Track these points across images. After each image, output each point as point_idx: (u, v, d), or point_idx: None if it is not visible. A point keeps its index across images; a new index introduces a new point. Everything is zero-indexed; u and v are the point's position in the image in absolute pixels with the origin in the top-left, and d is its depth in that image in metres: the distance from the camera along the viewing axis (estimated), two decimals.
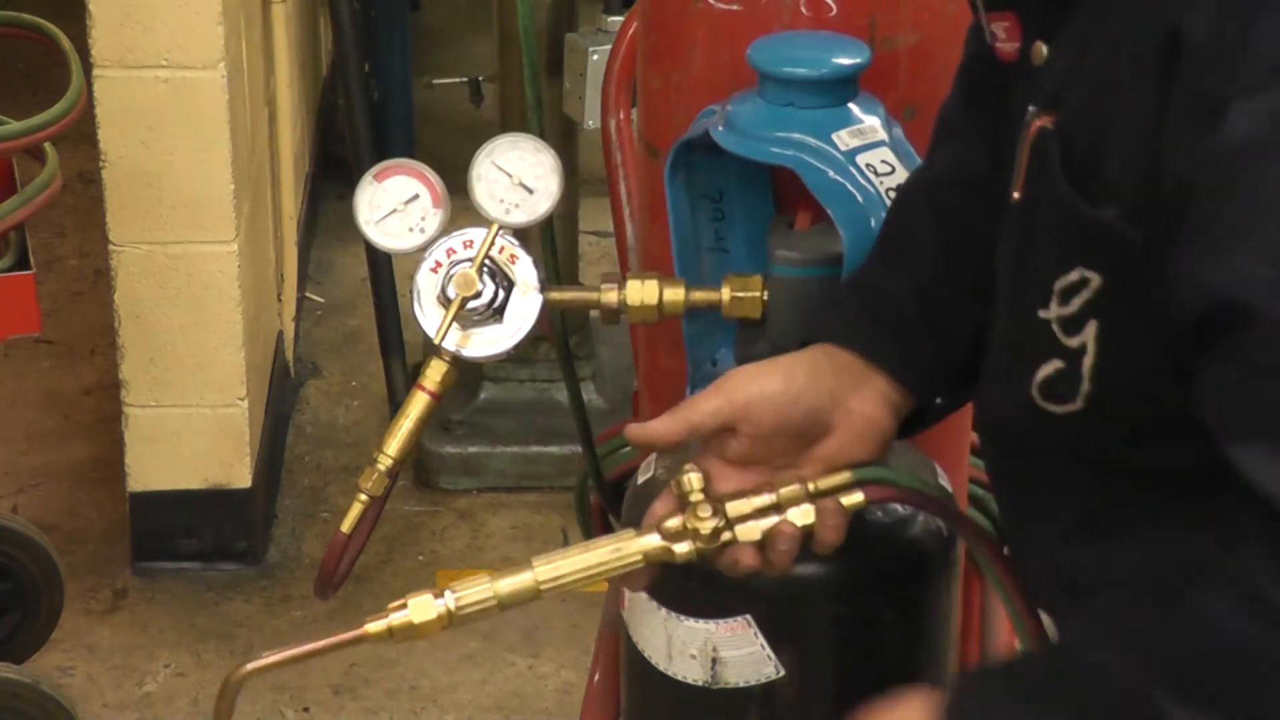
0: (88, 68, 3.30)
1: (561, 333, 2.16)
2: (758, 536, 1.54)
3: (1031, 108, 1.37)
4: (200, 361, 3.60)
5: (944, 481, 1.79)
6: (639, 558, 1.56)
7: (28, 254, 3.03)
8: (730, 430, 1.55)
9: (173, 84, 3.42)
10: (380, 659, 3.52)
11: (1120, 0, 1.30)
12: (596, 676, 2.22)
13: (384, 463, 1.81)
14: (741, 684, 1.73)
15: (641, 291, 1.81)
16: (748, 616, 1.71)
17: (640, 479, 1.87)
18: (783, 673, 1.72)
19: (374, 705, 3.42)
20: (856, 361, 1.57)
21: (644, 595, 1.76)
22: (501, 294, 1.78)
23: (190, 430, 3.65)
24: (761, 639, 1.71)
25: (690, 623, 1.73)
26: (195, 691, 3.45)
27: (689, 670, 1.74)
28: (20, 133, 2.97)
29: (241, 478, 3.70)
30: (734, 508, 1.54)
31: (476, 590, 1.57)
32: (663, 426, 1.57)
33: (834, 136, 1.72)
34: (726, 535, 1.54)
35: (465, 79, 5.07)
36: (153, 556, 3.72)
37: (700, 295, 1.81)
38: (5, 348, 4.36)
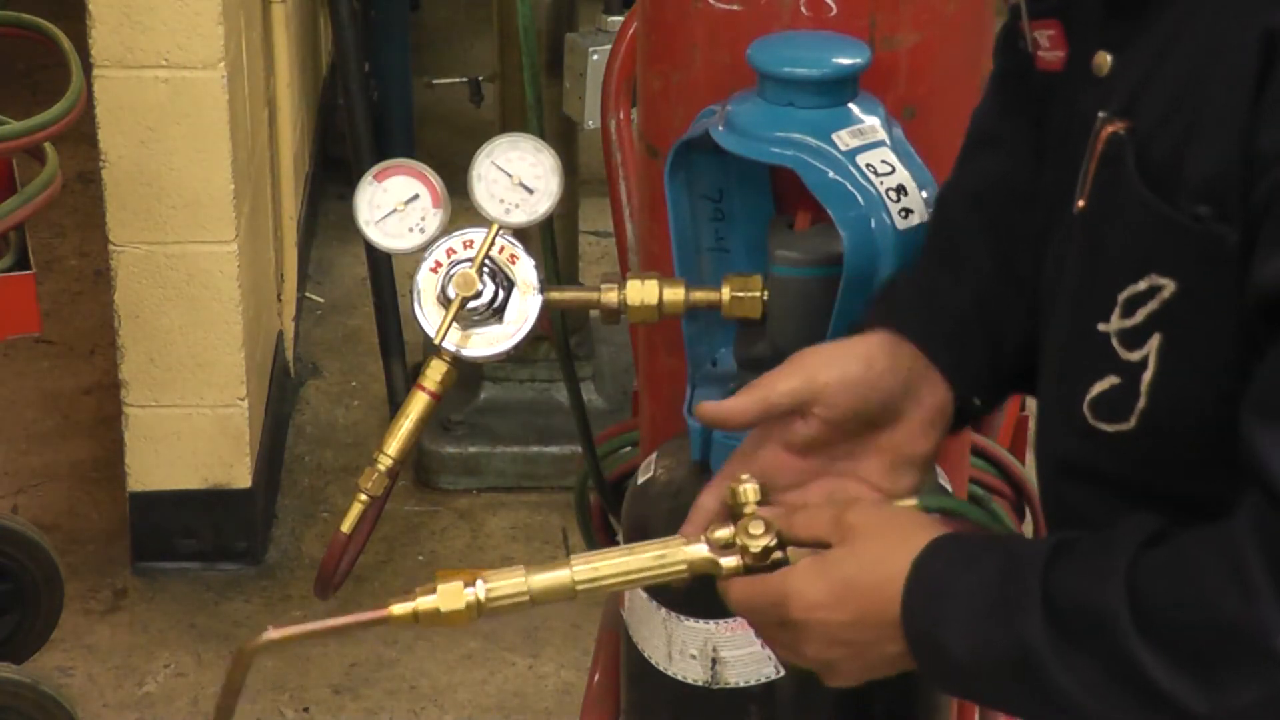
0: (88, 68, 3.30)
1: (561, 333, 2.16)
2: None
3: (1102, 114, 1.35)
4: (200, 361, 3.61)
5: (945, 482, 1.79)
6: (684, 567, 1.50)
7: (28, 254, 3.03)
8: (800, 413, 1.52)
9: (173, 84, 3.42)
10: (380, 659, 3.52)
11: (1207, 6, 1.29)
12: (596, 676, 2.22)
13: (384, 463, 1.81)
14: (741, 684, 1.73)
15: (641, 291, 1.81)
16: None
17: (640, 479, 1.87)
18: (783, 673, 1.72)
19: (374, 705, 3.42)
20: (919, 355, 1.55)
21: (644, 595, 1.76)
22: (501, 294, 1.78)
23: (190, 430, 3.65)
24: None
25: (690, 623, 1.73)
26: (195, 691, 3.45)
27: (689, 670, 1.74)
28: (20, 133, 2.98)
29: (241, 478, 3.70)
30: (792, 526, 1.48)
31: (510, 583, 1.51)
32: (739, 405, 1.52)
33: (834, 136, 1.72)
34: (777, 555, 1.48)
35: (465, 79, 5.07)
36: (153, 556, 3.72)
37: (700, 295, 1.80)
38: (5, 348, 4.36)
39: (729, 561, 1.48)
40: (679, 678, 1.75)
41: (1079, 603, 1.30)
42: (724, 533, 1.49)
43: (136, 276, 3.54)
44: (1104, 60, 1.38)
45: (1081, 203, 1.38)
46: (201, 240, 3.53)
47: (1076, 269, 1.40)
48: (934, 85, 1.87)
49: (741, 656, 1.72)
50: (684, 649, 1.74)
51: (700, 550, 1.49)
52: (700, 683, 1.74)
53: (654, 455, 1.88)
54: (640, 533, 1.78)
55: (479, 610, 1.51)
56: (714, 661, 1.73)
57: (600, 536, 2.45)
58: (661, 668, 1.76)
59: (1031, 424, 2.47)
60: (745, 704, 1.74)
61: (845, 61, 1.76)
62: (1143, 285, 1.32)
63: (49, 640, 3.41)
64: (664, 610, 1.74)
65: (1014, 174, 1.58)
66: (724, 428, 1.58)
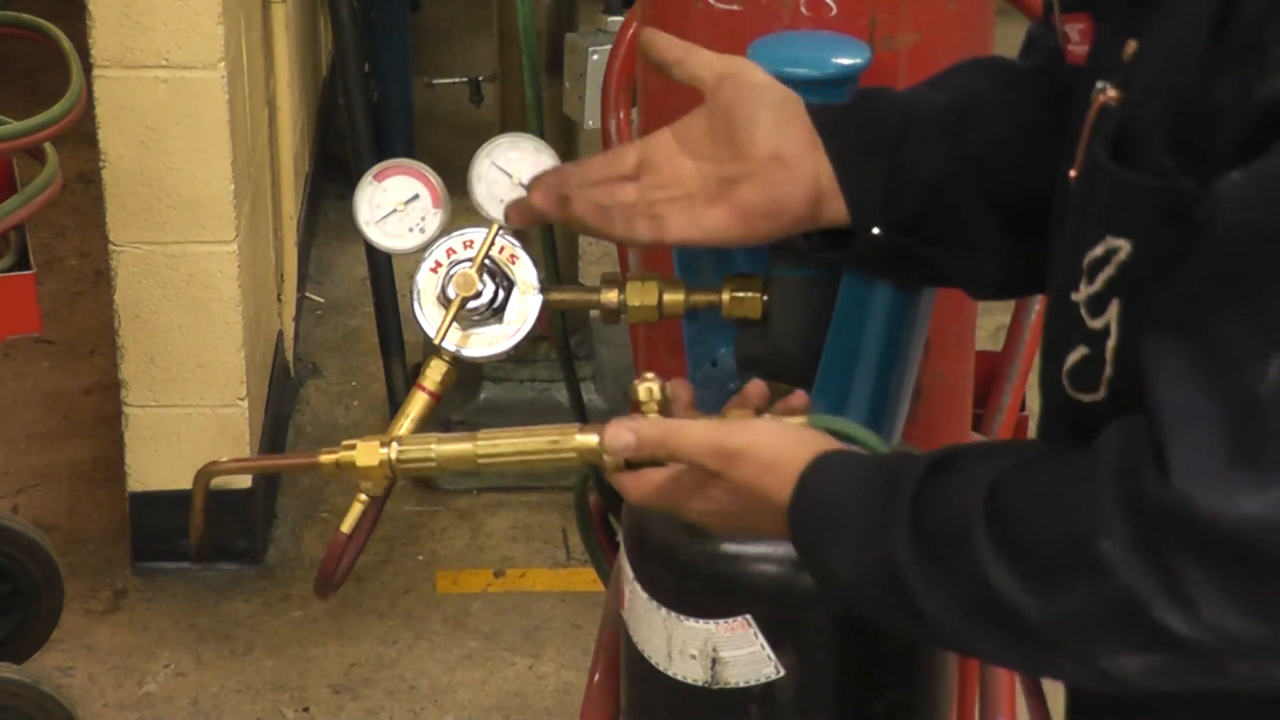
0: (88, 68, 3.30)
1: (561, 333, 2.15)
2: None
3: (1099, 84, 1.36)
4: (200, 361, 3.61)
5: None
6: (573, 454, 1.59)
7: (28, 254, 3.03)
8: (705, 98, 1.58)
9: (173, 84, 3.42)
10: (380, 659, 3.52)
11: None
12: (596, 676, 2.21)
13: None
14: (741, 684, 1.73)
15: (641, 291, 1.81)
16: (748, 616, 1.71)
17: None
18: (783, 673, 1.72)
19: (374, 705, 3.42)
20: (818, 140, 1.57)
21: (644, 595, 1.76)
22: (501, 294, 1.78)
23: (190, 430, 3.65)
24: (761, 639, 1.71)
25: (690, 623, 1.73)
26: (195, 691, 3.45)
27: (689, 670, 1.74)
28: (20, 133, 2.98)
29: (241, 478, 3.70)
30: None
31: (419, 448, 1.64)
32: (669, 41, 1.62)
33: None
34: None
35: (465, 79, 5.07)
36: (153, 556, 3.72)
37: (700, 295, 1.80)
38: (5, 348, 4.37)
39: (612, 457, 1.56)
40: (679, 678, 1.75)
41: (943, 515, 1.32)
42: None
43: (136, 276, 3.54)
44: (1131, 47, 1.39)
45: (1073, 172, 1.39)
46: (201, 240, 3.53)
47: (1063, 238, 1.41)
48: None
49: (741, 656, 1.72)
50: (684, 649, 1.74)
51: (590, 440, 1.57)
52: (700, 683, 1.74)
53: None
54: (640, 533, 1.79)
55: (391, 469, 1.64)
56: (714, 661, 1.73)
57: (600, 536, 2.45)
58: (661, 668, 1.76)
59: (1032, 424, 2.47)
60: (745, 704, 1.74)
61: (845, 61, 1.75)
62: (1099, 250, 1.32)
63: (49, 640, 3.41)
64: (664, 610, 1.74)
65: (1018, 70, 1.61)
66: (652, 55, 1.65)
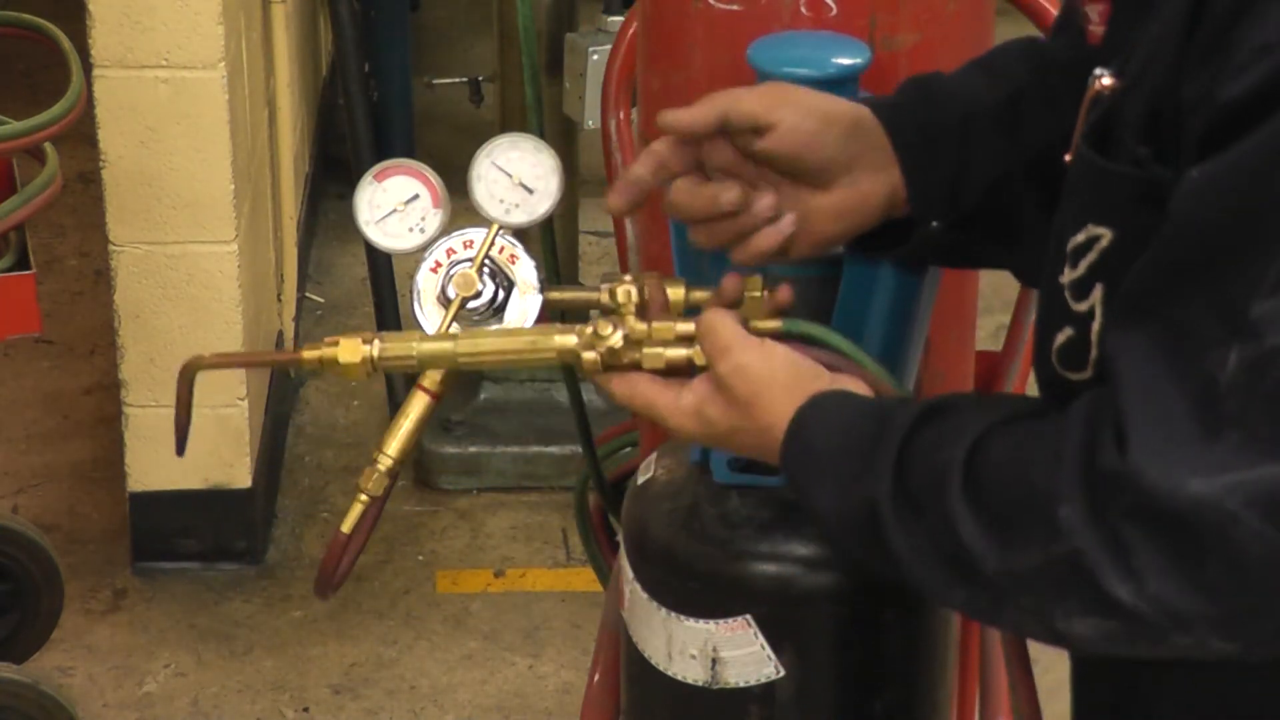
0: (88, 68, 3.30)
1: None
2: (662, 365, 1.56)
3: (1096, 71, 1.38)
4: None
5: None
6: (552, 353, 1.60)
7: (28, 254, 3.03)
8: (745, 137, 1.57)
9: (173, 84, 3.42)
10: (380, 659, 3.52)
11: None
12: (596, 676, 2.21)
13: (384, 463, 1.80)
14: (741, 684, 1.73)
15: None
16: (748, 616, 1.71)
17: (640, 479, 1.87)
18: (783, 673, 1.72)
19: (374, 705, 3.42)
20: (886, 145, 1.59)
21: (644, 595, 1.76)
22: (501, 294, 1.78)
23: (190, 430, 3.64)
24: (761, 639, 1.71)
25: (690, 623, 1.73)
26: (195, 691, 3.45)
27: (689, 670, 1.74)
28: (20, 133, 2.98)
29: (241, 478, 3.70)
30: (656, 330, 1.57)
31: (401, 345, 1.63)
32: (699, 112, 1.57)
33: None
34: (633, 356, 1.57)
35: (465, 79, 5.07)
36: (153, 556, 3.72)
37: (700, 295, 1.80)
38: (5, 348, 4.37)
39: (589, 355, 1.58)
40: (679, 678, 1.75)
41: (926, 464, 1.36)
42: (593, 329, 1.58)
43: (136, 276, 3.54)
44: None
45: (1068, 157, 1.42)
46: (201, 240, 3.53)
47: (1056, 221, 1.43)
48: None
49: (741, 656, 1.72)
50: (684, 649, 1.74)
51: (569, 340, 1.59)
52: (700, 683, 1.74)
53: (654, 455, 1.88)
54: (640, 533, 1.79)
55: (373, 365, 1.63)
56: (714, 661, 1.73)
57: (600, 536, 2.45)
58: (661, 668, 1.76)
59: None
60: (745, 704, 1.74)
61: (845, 61, 1.75)
62: (1082, 236, 1.35)
63: (49, 640, 3.41)
64: (664, 610, 1.74)
65: (1066, 54, 1.61)
66: (680, 132, 1.60)
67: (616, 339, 1.57)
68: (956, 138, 1.60)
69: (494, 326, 1.77)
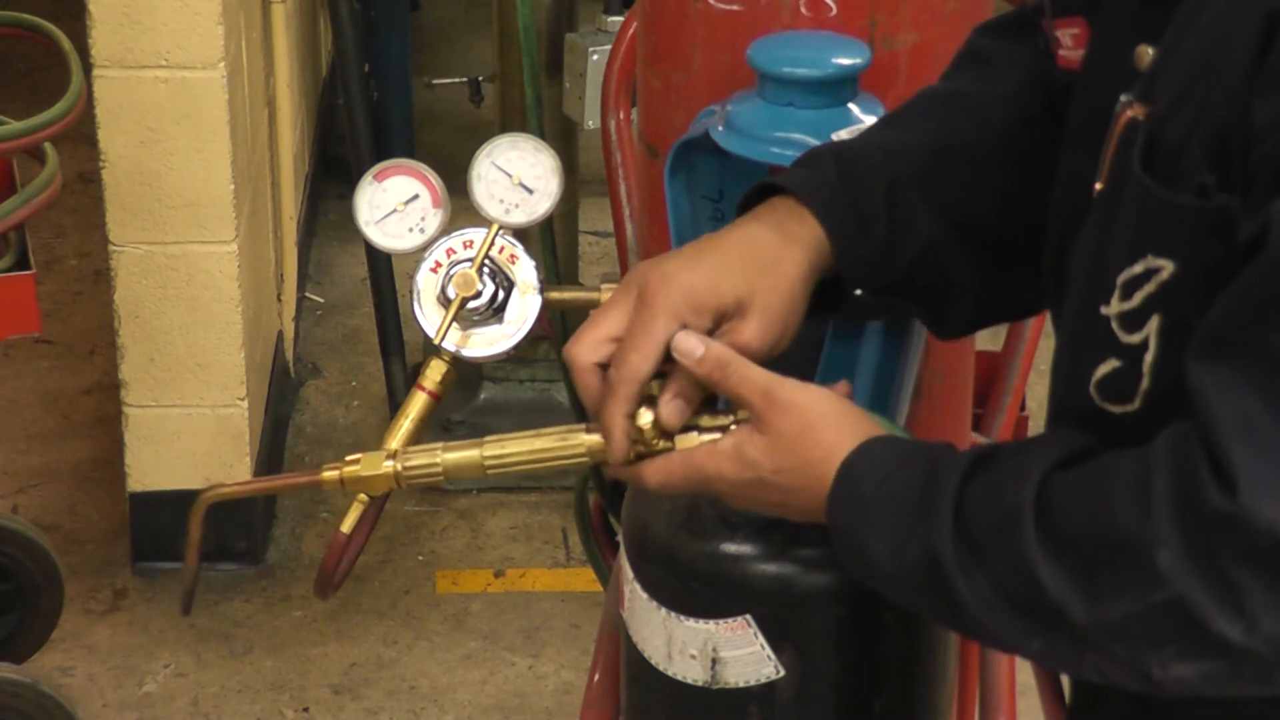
0: (88, 68, 3.30)
1: (561, 333, 2.16)
2: (695, 445, 1.51)
3: (1123, 98, 1.36)
4: (200, 361, 3.61)
5: None
6: (583, 451, 1.58)
7: (28, 254, 3.03)
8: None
9: (173, 84, 3.42)
10: (380, 659, 3.52)
11: None
12: (596, 676, 2.21)
13: None
14: (741, 684, 1.73)
15: None
16: (748, 616, 1.70)
17: None
18: (783, 673, 1.72)
19: (374, 705, 3.43)
20: (809, 220, 1.53)
21: (644, 595, 1.76)
22: (501, 294, 1.78)
23: (190, 430, 3.65)
24: (761, 639, 1.71)
25: (690, 623, 1.73)
26: (195, 691, 3.45)
27: (689, 670, 1.74)
28: (20, 133, 2.98)
29: (241, 478, 3.70)
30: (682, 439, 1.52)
31: (424, 458, 1.61)
32: (647, 360, 1.50)
33: (834, 136, 1.72)
34: (665, 445, 1.52)
35: (465, 79, 5.07)
36: (153, 556, 3.72)
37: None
38: (5, 348, 4.36)
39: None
40: (679, 678, 1.75)
41: (989, 510, 1.33)
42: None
43: (136, 276, 3.54)
44: (1145, 53, 1.38)
45: (1099, 185, 1.39)
46: (201, 240, 3.53)
47: (1088, 250, 1.41)
48: None
49: (741, 656, 1.72)
50: (684, 649, 1.74)
51: (597, 439, 1.56)
52: (700, 683, 1.74)
53: None
54: (640, 533, 1.79)
55: (397, 480, 1.62)
56: (714, 661, 1.73)
57: (600, 536, 2.45)
58: (661, 668, 1.76)
59: (1032, 424, 2.47)
60: (745, 704, 1.74)
61: (845, 61, 1.76)
62: (1139, 268, 1.32)
63: (49, 640, 3.41)
64: (664, 610, 1.74)
65: (986, 98, 1.59)
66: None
67: (646, 420, 1.51)
68: (883, 214, 1.55)
69: (493, 327, 1.76)
